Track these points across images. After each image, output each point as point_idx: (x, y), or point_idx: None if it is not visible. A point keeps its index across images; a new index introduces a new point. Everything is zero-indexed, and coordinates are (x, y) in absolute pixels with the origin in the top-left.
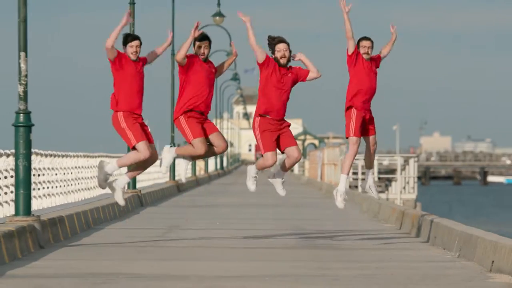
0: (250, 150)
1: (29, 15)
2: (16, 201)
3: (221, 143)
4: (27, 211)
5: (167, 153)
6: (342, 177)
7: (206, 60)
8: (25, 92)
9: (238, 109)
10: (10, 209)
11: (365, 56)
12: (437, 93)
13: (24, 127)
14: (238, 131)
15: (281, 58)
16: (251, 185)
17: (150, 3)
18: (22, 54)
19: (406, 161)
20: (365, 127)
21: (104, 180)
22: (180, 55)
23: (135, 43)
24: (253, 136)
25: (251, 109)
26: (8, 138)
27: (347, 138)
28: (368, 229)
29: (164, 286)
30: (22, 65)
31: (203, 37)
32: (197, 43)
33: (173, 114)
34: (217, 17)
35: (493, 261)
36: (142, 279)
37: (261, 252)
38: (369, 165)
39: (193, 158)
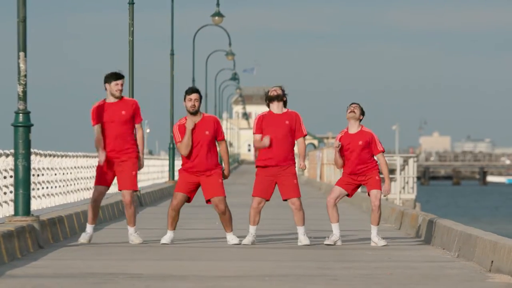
0: (249, 150)
1: (31, 15)
2: (15, 201)
3: (217, 204)
4: (27, 211)
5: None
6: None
7: (196, 113)
8: (25, 92)
9: (237, 109)
10: (9, 209)
11: (350, 115)
12: (437, 93)
13: (24, 127)
14: (237, 131)
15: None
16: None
17: (149, 3)
18: (21, 54)
19: (406, 161)
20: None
21: (85, 236)
22: (184, 152)
23: (120, 81)
24: (252, 136)
25: (250, 109)
26: (8, 138)
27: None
28: (368, 229)
29: (164, 286)
30: (21, 65)
31: (194, 90)
32: (188, 96)
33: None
34: (216, 17)
35: (492, 261)
36: (142, 279)
37: (261, 252)
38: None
39: (174, 218)
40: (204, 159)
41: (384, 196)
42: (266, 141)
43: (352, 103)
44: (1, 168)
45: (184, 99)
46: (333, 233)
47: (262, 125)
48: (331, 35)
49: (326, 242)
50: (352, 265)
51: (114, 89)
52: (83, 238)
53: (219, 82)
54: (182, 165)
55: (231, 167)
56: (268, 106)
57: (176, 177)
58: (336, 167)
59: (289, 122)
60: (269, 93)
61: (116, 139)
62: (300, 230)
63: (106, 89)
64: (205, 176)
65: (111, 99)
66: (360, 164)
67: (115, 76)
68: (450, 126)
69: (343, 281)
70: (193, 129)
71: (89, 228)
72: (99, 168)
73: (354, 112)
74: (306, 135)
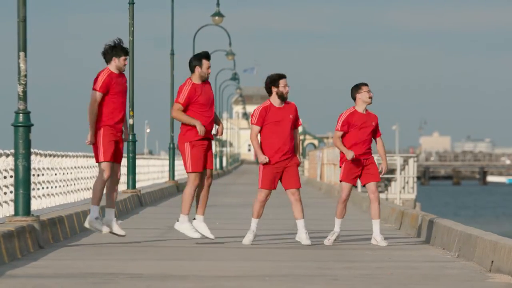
0: (249, 150)
1: (31, 15)
2: (15, 201)
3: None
4: (27, 211)
5: (182, 227)
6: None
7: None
8: (25, 92)
9: (238, 109)
10: (9, 209)
11: (370, 100)
12: (437, 93)
13: (24, 127)
14: (238, 131)
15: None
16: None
17: (149, 3)
18: (22, 54)
19: (406, 161)
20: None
21: (105, 225)
22: (173, 115)
23: (127, 57)
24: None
25: (251, 109)
26: (8, 138)
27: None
28: (368, 229)
29: (164, 286)
30: (22, 65)
31: (209, 56)
32: (207, 63)
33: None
34: (217, 17)
35: (492, 261)
36: (142, 279)
37: (261, 252)
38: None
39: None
40: (212, 121)
41: (382, 174)
42: (265, 159)
43: (365, 84)
44: (1, 168)
45: (200, 65)
46: (334, 230)
47: (265, 118)
48: (331, 35)
49: (327, 243)
50: (352, 265)
51: (123, 64)
52: (104, 228)
53: (219, 82)
54: (190, 135)
55: (231, 167)
56: (270, 91)
57: (177, 177)
58: (336, 146)
59: (292, 116)
60: (283, 93)
61: (124, 111)
62: (300, 223)
63: (109, 60)
64: (209, 149)
65: (115, 71)
66: (367, 145)
67: (125, 51)
68: (450, 126)
69: (343, 281)
70: (200, 94)
71: (97, 210)
72: (112, 142)
73: (371, 98)
74: (301, 124)
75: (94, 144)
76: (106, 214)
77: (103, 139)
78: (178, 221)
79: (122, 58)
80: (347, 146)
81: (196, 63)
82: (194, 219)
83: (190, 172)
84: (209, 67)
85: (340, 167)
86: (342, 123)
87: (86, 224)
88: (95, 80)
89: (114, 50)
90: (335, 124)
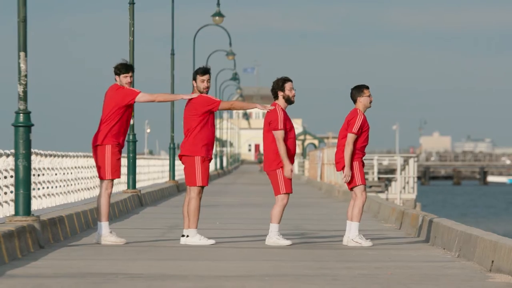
0: (249, 150)
1: (33, 15)
2: (16, 201)
3: None
4: (27, 211)
5: (196, 239)
6: (354, 225)
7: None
8: (25, 92)
9: None
10: (10, 209)
11: (370, 105)
12: (437, 93)
13: (24, 127)
14: (238, 131)
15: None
16: (285, 241)
17: (149, 3)
18: (22, 54)
19: (406, 161)
20: None
21: (114, 237)
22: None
23: (129, 74)
24: (252, 136)
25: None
26: (8, 138)
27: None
28: (368, 229)
29: (164, 286)
30: (22, 65)
31: (207, 70)
32: (201, 77)
33: (188, 145)
34: (217, 17)
35: (492, 261)
36: (142, 279)
37: (261, 252)
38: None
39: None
40: None
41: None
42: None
43: (367, 87)
44: (2, 168)
45: (195, 80)
46: (358, 232)
47: (284, 120)
48: (331, 35)
49: (367, 244)
50: (353, 265)
51: (124, 81)
52: (120, 238)
53: (219, 82)
54: (203, 150)
55: (231, 167)
56: (276, 95)
57: (178, 177)
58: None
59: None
60: (290, 96)
61: None
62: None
63: (116, 79)
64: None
65: None
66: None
67: (125, 68)
68: (450, 126)
69: (343, 281)
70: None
71: (108, 225)
72: (119, 161)
73: (371, 102)
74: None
75: (101, 159)
76: (103, 228)
77: (111, 156)
78: (186, 236)
79: (122, 75)
80: (357, 147)
81: (192, 79)
82: (187, 236)
83: (198, 186)
84: (203, 81)
85: (342, 170)
86: (359, 126)
87: (102, 242)
88: (124, 93)
89: (114, 70)
90: (335, 124)
